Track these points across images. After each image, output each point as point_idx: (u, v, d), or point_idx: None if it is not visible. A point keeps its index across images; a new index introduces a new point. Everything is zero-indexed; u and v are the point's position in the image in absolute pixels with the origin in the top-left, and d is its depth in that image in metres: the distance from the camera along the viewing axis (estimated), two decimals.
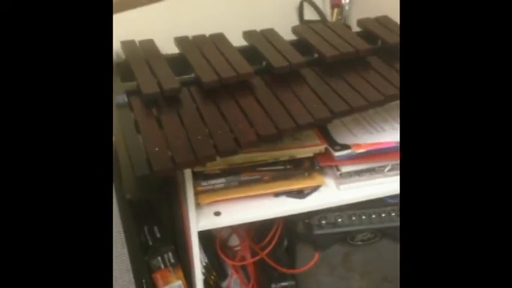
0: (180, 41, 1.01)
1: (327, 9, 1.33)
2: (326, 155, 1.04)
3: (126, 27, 1.05)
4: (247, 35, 1.05)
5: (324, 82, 0.94)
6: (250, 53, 0.99)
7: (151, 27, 1.08)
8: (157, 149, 0.76)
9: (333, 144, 1.04)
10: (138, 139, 0.79)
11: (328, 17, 1.32)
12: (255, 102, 0.88)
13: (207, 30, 1.07)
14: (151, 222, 1.07)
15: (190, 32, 1.05)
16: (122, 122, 0.81)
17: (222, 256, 1.17)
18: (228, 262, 1.19)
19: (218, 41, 1.02)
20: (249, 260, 1.17)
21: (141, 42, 1.01)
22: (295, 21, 1.31)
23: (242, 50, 0.99)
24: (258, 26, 1.11)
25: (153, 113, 0.85)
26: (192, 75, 0.92)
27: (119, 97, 0.85)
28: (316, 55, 1.00)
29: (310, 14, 1.31)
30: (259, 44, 1.00)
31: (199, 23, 1.12)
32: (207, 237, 1.17)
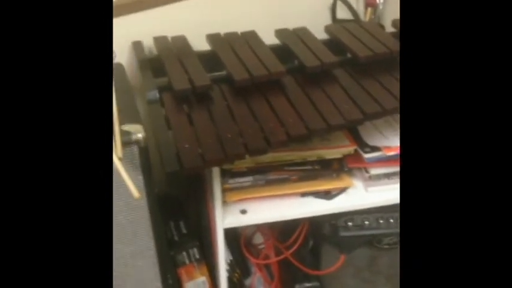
0: (212, 38, 1.01)
1: (360, 9, 1.30)
2: (355, 156, 1.03)
3: (159, 24, 1.06)
4: (280, 33, 1.04)
5: (356, 83, 0.93)
6: (282, 51, 0.98)
7: (183, 24, 1.08)
8: (187, 145, 0.76)
9: (363, 145, 1.02)
10: (169, 135, 0.79)
11: (362, 17, 1.30)
12: (286, 102, 0.87)
13: (239, 28, 1.07)
14: (177, 218, 1.08)
15: (222, 29, 1.06)
16: (152, 118, 0.82)
17: (247, 254, 1.17)
18: (252, 260, 1.19)
19: (250, 38, 1.01)
20: (273, 259, 1.17)
21: (173, 38, 1.02)
22: (328, 20, 1.30)
23: (274, 49, 0.98)
24: (290, 25, 1.10)
25: (184, 110, 0.85)
26: (224, 72, 0.92)
27: (150, 93, 0.85)
28: (349, 55, 0.98)
29: (343, 13, 1.29)
30: (291, 43, 0.99)
31: (231, 21, 1.12)
32: (232, 235, 1.17)
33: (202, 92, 0.87)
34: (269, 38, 1.03)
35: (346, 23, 1.08)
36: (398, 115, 1.06)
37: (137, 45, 1.00)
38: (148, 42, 1.03)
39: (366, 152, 1.02)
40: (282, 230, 1.22)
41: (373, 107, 0.86)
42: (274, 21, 1.11)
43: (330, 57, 0.94)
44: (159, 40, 1.01)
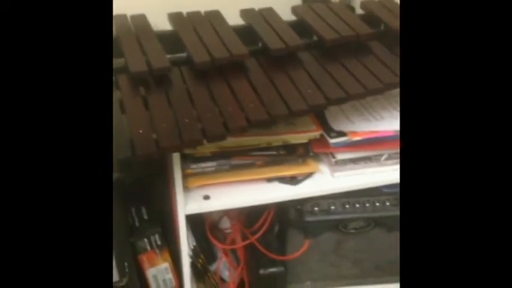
0: (174, 17, 0.97)
1: None
2: (321, 141, 1.01)
3: (120, 1, 1.01)
4: (245, 13, 1.01)
5: (321, 67, 0.90)
6: (247, 33, 0.95)
7: (146, 1, 1.04)
8: (141, 131, 0.73)
9: (329, 130, 1.00)
10: (123, 120, 0.75)
11: None
12: (248, 85, 0.84)
13: (204, 7, 1.03)
14: (140, 204, 1.05)
15: (186, 8, 1.01)
16: None
17: (212, 239, 1.15)
18: (218, 245, 1.17)
19: (214, 18, 0.98)
20: (239, 244, 1.15)
21: (133, 17, 0.97)
22: (298, 1, 1.27)
23: (238, 30, 0.94)
24: (258, 4, 1.07)
25: (140, 93, 0.81)
26: (184, 54, 0.89)
27: None
28: (315, 38, 0.95)
29: None
30: (256, 24, 0.96)
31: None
32: (197, 220, 1.15)
33: (160, 75, 0.84)
34: (235, 19, 0.99)
35: (315, 4, 1.05)
36: (365, 100, 1.04)
37: None
38: None
39: (332, 137, 1.00)
40: (249, 215, 1.20)
41: (337, 92, 0.84)
42: (241, 1, 1.08)
43: (295, 40, 0.91)
44: (118, 18, 0.96)
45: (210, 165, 0.97)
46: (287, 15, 1.04)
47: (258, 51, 0.92)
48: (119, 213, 1.03)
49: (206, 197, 0.97)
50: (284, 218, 1.12)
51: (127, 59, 0.84)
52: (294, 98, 0.82)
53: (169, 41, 0.92)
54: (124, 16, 0.97)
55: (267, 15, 1.00)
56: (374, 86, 0.84)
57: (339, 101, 0.84)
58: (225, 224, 1.24)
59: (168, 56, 0.87)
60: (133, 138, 0.71)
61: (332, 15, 0.99)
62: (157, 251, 1.03)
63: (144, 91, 0.82)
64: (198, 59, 0.84)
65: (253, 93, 0.83)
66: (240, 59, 0.87)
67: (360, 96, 0.85)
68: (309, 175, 1.03)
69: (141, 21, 0.96)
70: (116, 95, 0.80)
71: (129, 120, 0.75)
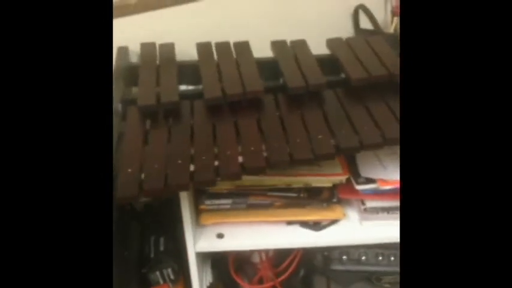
0: (201, 47, 0.94)
1: (387, 18, 1.18)
2: (348, 186, 0.93)
3: (161, 28, 1.01)
4: (275, 45, 0.95)
5: (342, 108, 0.82)
6: (271, 66, 0.90)
7: (190, 29, 1.03)
8: (130, 170, 0.70)
9: (357, 175, 0.92)
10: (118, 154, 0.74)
11: (388, 26, 1.17)
12: (253, 125, 0.79)
13: (252, 36, 0.99)
14: (159, 233, 1.03)
15: (230, 36, 0.99)
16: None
17: (236, 278, 1.10)
18: (242, 285, 1.11)
19: (241, 50, 0.93)
20: (260, 286, 1.09)
21: (161, 45, 0.96)
22: (350, 30, 1.18)
23: (262, 63, 0.90)
24: (308, 34, 1.01)
25: (143, 127, 0.79)
26: (200, 87, 0.86)
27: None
28: (343, 75, 0.88)
29: (367, 22, 1.17)
30: (282, 58, 0.90)
31: (244, 27, 1.05)
32: (220, 255, 1.11)
33: (169, 109, 0.81)
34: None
35: (352, 38, 0.97)
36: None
37: (121, 51, 0.96)
38: (136, 48, 0.98)
39: (359, 183, 0.91)
40: (278, 253, 1.14)
41: (350, 141, 0.76)
42: (291, 30, 1.03)
43: (317, 78, 0.84)
44: (146, 47, 0.96)
45: (225, 202, 0.93)
46: None
47: (278, 87, 0.86)
48: (137, 242, 1.02)
49: (220, 236, 0.93)
50: (310, 263, 1.05)
51: (139, 90, 0.82)
52: (299, 144, 0.75)
53: (190, 72, 0.90)
54: (152, 44, 0.96)
55: (298, 48, 0.94)
56: (393, 135, 0.75)
57: (351, 150, 0.76)
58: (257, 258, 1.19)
59: (184, 88, 0.85)
60: (119, 177, 0.69)
61: (368, 51, 0.91)
62: (170, 285, 1.00)
63: (150, 125, 0.80)
64: (209, 95, 0.80)
65: (256, 133, 0.77)
66: (253, 95, 0.82)
67: (376, 146, 0.76)
68: (334, 221, 0.95)
69: (167, 50, 0.95)
70: (121, 127, 0.79)
71: (123, 156, 0.72)
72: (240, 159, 0.73)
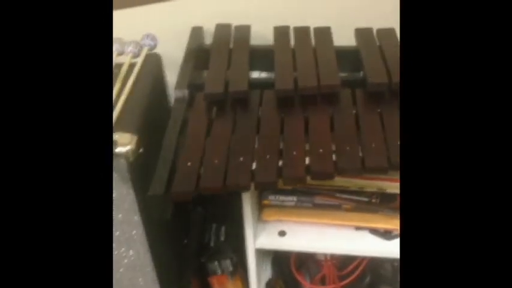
0: (278, 31, 0.88)
1: None
2: None
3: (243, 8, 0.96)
4: (359, 34, 0.86)
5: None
6: (353, 57, 0.82)
7: (267, 11, 0.96)
8: (189, 163, 0.66)
9: None
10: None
11: None
12: (325, 123, 0.72)
13: (334, 21, 0.91)
14: (221, 221, 1.00)
15: (303, 21, 0.91)
16: (171, 122, 0.73)
17: (297, 276, 1.04)
18: (303, 283, 1.06)
19: (321, 36, 0.86)
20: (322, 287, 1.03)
21: (237, 27, 0.90)
22: None
23: (343, 52, 0.82)
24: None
25: (209, 116, 0.75)
26: (271, 75, 0.79)
27: (178, 91, 0.76)
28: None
29: None
30: (366, 49, 0.82)
31: (325, 11, 0.97)
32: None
33: (237, 98, 0.76)
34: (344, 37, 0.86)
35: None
36: None
37: (195, 32, 0.91)
38: (211, 28, 0.93)
39: None
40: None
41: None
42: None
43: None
44: (221, 28, 0.90)
45: (290, 199, 0.87)
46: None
47: (359, 81, 0.78)
48: (198, 229, 0.99)
49: (282, 233, 0.88)
50: (377, 271, 0.97)
51: (207, 76, 0.78)
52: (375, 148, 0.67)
53: (263, 58, 0.84)
54: (228, 26, 0.91)
55: (384, 38, 0.84)
56: None
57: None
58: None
59: (257, 75, 0.79)
60: (178, 170, 0.65)
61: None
62: (229, 276, 0.96)
63: (215, 114, 0.75)
64: (280, 86, 0.74)
65: (330, 133, 0.70)
66: (328, 89, 0.74)
67: None
68: None
69: (242, 32, 0.89)
70: (185, 115, 0.75)
71: (182, 148, 0.68)
72: (307, 160, 0.66)
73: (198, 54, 0.84)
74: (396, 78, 0.74)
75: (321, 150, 0.66)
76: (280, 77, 0.75)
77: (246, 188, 0.64)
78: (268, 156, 0.66)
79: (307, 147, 0.68)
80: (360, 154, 0.67)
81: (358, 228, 0.87)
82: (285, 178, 0.64)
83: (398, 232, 0.86)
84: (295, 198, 0.87)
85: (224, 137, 0.70)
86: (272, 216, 0.87)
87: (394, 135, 0.68)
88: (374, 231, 0.87)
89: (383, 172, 0.65)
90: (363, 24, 0.88)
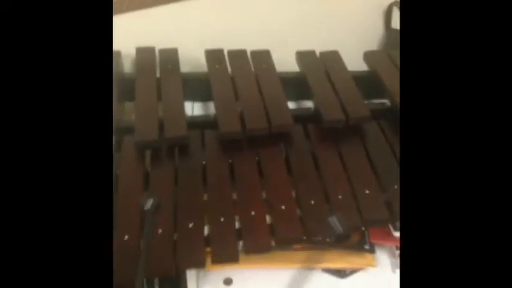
0: (210, 56, 0.77)
1: None
2: (382, 230, 0.78)
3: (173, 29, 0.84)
4: (301, 57, 0.78)
5: (390, 148, 0.67)
6: (296, 83, 0.74)
7: (193, 32, 0.85)
8: (126, 237, 0.54)
9: (395, 218, 0.77)
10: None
11: None
12: (280, 168, 0.63)
13: (276, 35, 0.86)
14: None
15: (251, 36, 0.83)
16: None
17: None
18: None
19: (260, 61, 0.76)
20: None
21: (162, 51, 0.78)
22: (381, 29, 1.02)
23: (285, 79, 0.73)
24: (335, 33, 0.91)
25: (143, 166, 0.63)
26: (210, 106, 0.69)
27: None
28: (387, 101, 0.72)
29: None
30: (312, 76, 0.74)
31: (265, 26, 0.89)
32: None
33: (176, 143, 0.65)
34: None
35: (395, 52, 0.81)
36: None
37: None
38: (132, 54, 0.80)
39: (398, 229, 0.76)
40: None
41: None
42: (317, 30, 0.91)
43: (357, 109, 0.68)
44: (143, 52, 0.77)
45: None
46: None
47: (310, 115, 0.70)
48: None
49: (228, 281, 0.78)
50: None
51: (136, 117, 0.65)
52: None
53: (197, 85, 0.73)
54: (151, 50, 0.78)
55: (329, 62, 0.77)
56: None
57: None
58: None
59: (188, 107, 0.69)
60: (114, 248, 0.52)
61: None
62: None
63: (150, 163, 0.64)
64: (225, 128, 0.64)
65: (289, 180, 0.62)
66: (280, 129, 0.65)
67: None
68: (361, 268, 0.80)
69: (170, 57, 0.77)
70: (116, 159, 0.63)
71: (117, 214, 0.56)
72: (268, 219, 0.57)
73: (119, 84, 0.71)
74: (353, 112, 0.67)
75: (283, 207, 0.57)
76: (224, 117, 0.65)
77: (201, 265, 0.53)
78: (222, 219, 0.56)
79: (264, 195, 0.60)
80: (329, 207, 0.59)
81: (310, 268, 0.80)
82: (247, 247, 0.54)
83: (352, 269, 0.80)
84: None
85: (166, 195, 0.59)
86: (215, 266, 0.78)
87: (361, 182, 0.61)
88: (327, 270, 0.80)
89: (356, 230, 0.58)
90: (304, 46, 0.80)
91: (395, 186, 0.62)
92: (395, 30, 1.00)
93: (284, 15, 0.93)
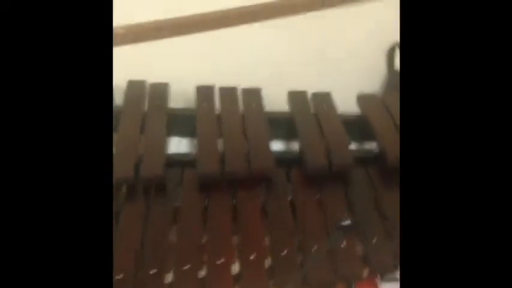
0: (200, 92, 0.76)
1: None
2: (369, 281, 0.75)
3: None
4: (292, 97, 0.77)
5: (373, 198, 0.64)
6: (286, 124, 0.72)
7: (187, 68, 0.84)
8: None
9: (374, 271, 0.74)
10: None
11: None
12: (255, 214, 0.61)
13: (273, 72, 0.85)
14: None
15: (245, 74, 0.81)
16: None
17: None
18: None
19: (250, 100, 0.75)
20: None
21: (153, 85, 0.77)
22: (383, 70, 1.00)
23: (276, 121, 0.72)
24: (335, 72, 0.91)
25: (117, 203, 0.62)
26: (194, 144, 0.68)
27: None
28: (376, 150, 0.70)
29: None
30: (300, 118, 0.72)
31: (264, 62, 0.88)
32: None
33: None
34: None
35: (394, 93, 0.79)
36: None
37: None
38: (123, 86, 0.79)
39: (385, 279, 0.73)
40: None
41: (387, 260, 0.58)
42: (317, 69, 0.90)
43: (343, 156, 0.65)
44: (134, 85, 0.77)
45: None
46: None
47: (294, 159, 0.68)
48: None
49: None
50: None
51: (115, 151, 0.64)
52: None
53: (185, 121, 0.72)
54: (141, 83, 0.77)
55: (320, 104, 0.75)
56: None
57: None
58: None
59: (175, 143, 0.68)
60: None
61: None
62: None
63: (123, 200, 0.62)
64: (203, 169, 0.62)
65: (263, 228, 0.59)
66: (260, 174, 0.63)
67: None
68: None
69: (159, 92, 0.76)
70: None
71: None
72: (236, 267, 0.55)
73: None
74: (337, 158, 0.64)
75: (252, 257, 0.55)
76: (204, 157, 0.64)
77: None
78: (187, 267, 0.54)
79: (235, 240, 0.58)
80: (300, 260, 0.56)
81: None
82: None
83: None
84: None
85: (133, 237, 0.57)
86: None
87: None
88: None
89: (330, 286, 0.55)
90: (303, 85, 0.78)
91: (374, 240, 0.59)
92: (398, 72, 0.98)
93: (283, 53, 0.92)
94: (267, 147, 0.65)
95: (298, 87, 0.79)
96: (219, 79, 0.78)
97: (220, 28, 0.83)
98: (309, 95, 0.77)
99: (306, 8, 0.89)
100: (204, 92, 0.75)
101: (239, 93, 0.76)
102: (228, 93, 0.76)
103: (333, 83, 0.82)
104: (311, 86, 0.80)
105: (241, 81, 0.78)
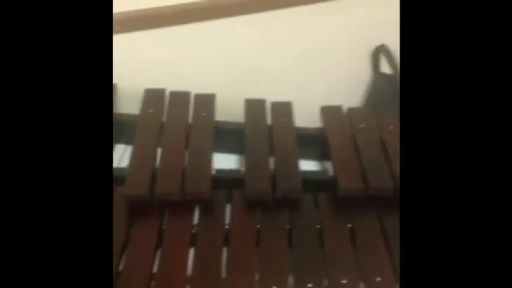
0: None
1: None
2: None
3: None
4: (250, 105, 0.74)
5: (315, 236, 0.65)
6: (239, 138, 0.71)
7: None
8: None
9: None
10: None
11: None
12: (183, 243, 0.64)
13: (266, 77, 0.93)
14: None
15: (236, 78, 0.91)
16: None
17: None
18: None
19: (201, 105, 0.73)
20: None
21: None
22: (368, 72, 1.08)
23: (227, 132, 0.72)
24: (323, 75, 0.98)
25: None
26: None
27: None
28: (331, 172, 0.67)
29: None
30: (251, 128, 0.71)
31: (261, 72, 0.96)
32: None
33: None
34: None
35: (358, 109, 0.84)
36: None
37: (151, 95, 0.80)
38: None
39: None
40: None
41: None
42: (305, 73, 0.99)
43: (293, 181, 0.65)
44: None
45: None
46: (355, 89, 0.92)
47: (237, 180, 0.67)
48: None
49: None
50: None
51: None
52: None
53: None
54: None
55: (277, 113, 0.73)
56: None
57: None
58: None
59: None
60: None
61: (374, 138, 0.70)
62: None
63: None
64: (131, 190, 0.64)
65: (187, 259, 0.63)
66: (195, 196, 0.64)
67: None
68: None
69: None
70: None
71: None
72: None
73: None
74: (282, 183, 0.67)
75: None
76: (133, 177, 0.65)
77: None
78: None
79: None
80: None
81: None
82: None
83: None
84: None
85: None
86: None
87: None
88: None
89: None
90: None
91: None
92: (383, 74, 1.05)
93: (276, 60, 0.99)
94: (208, 167, 0.66)
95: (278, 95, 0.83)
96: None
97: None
98: (268, 104, 0.74)
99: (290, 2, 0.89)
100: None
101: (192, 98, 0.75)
102: (177, 96, 0.76)
103: (315, 89, 0.95)
104: (291, 88, 0.90)
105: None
